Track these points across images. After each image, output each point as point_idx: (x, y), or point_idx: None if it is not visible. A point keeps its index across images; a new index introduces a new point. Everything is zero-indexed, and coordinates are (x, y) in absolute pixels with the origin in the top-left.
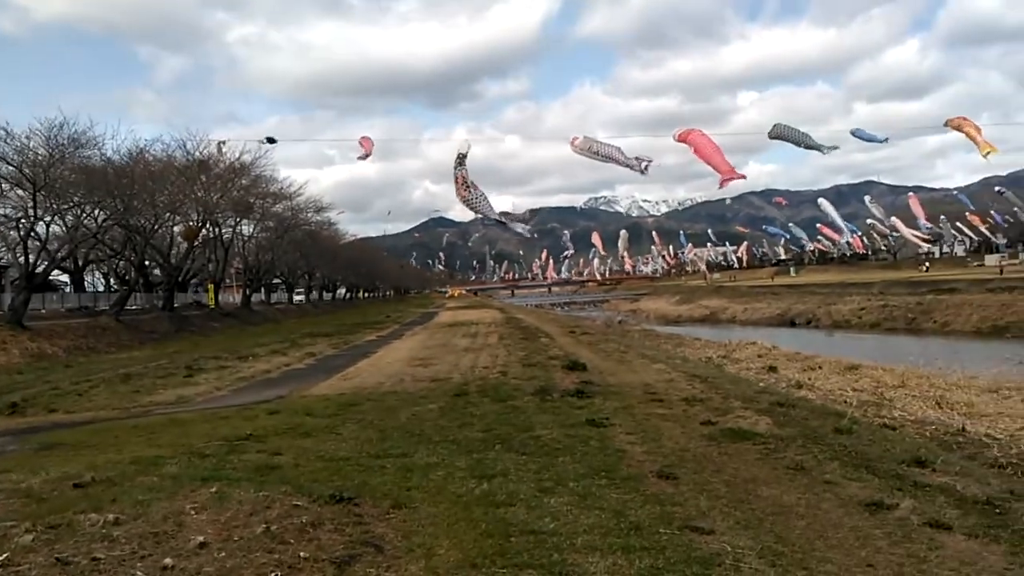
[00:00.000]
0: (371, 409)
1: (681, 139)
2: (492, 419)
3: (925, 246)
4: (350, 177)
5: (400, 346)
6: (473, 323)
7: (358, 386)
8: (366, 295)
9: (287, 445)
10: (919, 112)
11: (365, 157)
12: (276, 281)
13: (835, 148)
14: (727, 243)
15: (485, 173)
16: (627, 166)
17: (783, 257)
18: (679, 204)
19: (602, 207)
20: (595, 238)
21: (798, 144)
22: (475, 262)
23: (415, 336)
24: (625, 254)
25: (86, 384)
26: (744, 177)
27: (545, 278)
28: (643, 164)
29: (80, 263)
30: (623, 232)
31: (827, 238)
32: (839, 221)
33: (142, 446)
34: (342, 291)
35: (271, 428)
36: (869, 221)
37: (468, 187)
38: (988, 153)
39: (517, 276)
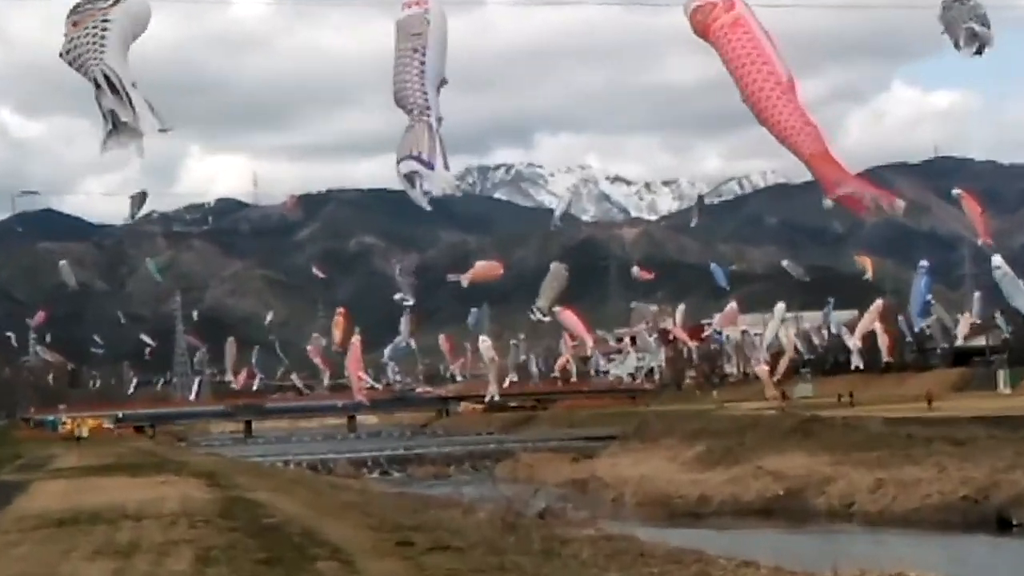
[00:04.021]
0: None
1: (699, 28)
2: None
3: None
4: None
5: None
6: (127, 518)
7: None
8: None
9: None
10: None
11: None
12: None
13: None
14: (830, 300)
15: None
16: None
17: (973, 344)
18: (705, 188)
19: (500, 193)
20: (476, 271)
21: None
22: (144, 335)
23: None
24: (568, 324)
25: None
26: (873, 190)
27: (353, 386)
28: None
29: None
30: (556, 267)
31: None
32: None
33: None
34: None
35: None
36: None
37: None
38: None
39: (262, 380)
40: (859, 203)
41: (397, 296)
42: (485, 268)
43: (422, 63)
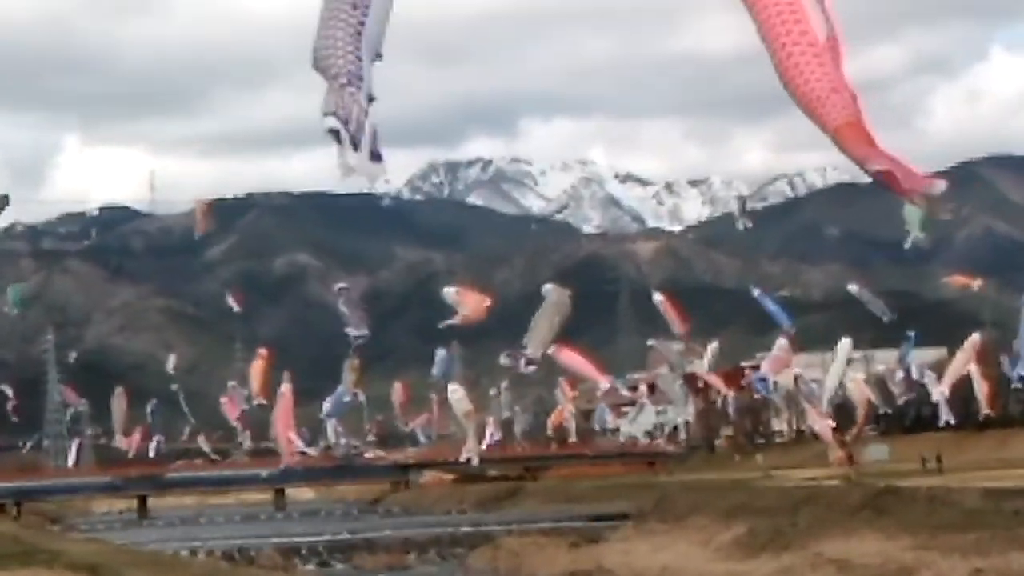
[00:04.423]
0: None
1: None
2: None
3: None
4: None
5: None
6: None
7: None
8: None
9: None
10: None
11: None
12: None
13: None
14: (910, 334)
15: None
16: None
17: None
18: (746, 189)
19: (475, 197)
20: (468, 309)
21: None
22: (4, 386)
23: None
24: (571, 364)
25: None
26: (907, 168)
27: (281, 451)
28: None
29: None
30: (554, 293)
31: None
32: None
33: None
34: None
35: None
36: None
37: None
38: None
39: (161, 443)
40: (900, 185)
41: (349, 331)
42: (473, 301)
43: (360, 22)
